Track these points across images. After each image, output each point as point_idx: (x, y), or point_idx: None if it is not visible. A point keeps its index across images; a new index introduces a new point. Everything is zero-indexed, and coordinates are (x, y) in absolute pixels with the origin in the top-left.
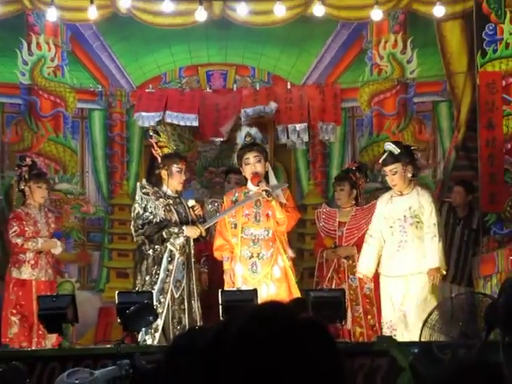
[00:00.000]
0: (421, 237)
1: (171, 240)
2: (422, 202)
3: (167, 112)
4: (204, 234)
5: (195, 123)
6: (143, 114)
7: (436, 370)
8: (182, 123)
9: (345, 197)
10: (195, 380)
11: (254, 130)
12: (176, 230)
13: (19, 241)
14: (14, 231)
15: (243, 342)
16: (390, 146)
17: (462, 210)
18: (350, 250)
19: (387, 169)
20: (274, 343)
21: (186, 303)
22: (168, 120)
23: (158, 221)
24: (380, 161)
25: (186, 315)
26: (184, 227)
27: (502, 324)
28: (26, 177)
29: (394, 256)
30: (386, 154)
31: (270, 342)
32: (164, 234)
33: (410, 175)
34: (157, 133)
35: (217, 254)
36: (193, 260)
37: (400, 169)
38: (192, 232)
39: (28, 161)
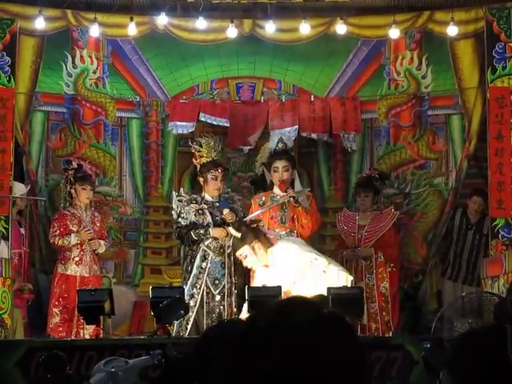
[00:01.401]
0: None
1: (204, 241)
2: None
3: (201, 114)
4: (230, 235)
5: (227, 124)
6: (177, 123)
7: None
8: (214, 123)
9: (369, 202)
10: (225, 369)
11: (286, 136)
12: (202, 232)
13: (56, 240)
14: (54, 231)
15: (271, 334)
16: None
17: (474, 216)
18: (368, 251)
19: None
20: (300, 334)
21: (225, 299)
22: (202, 119)
23: (187, 224)
24: None
25: (227, 310)
26: (210, 229)
27: (510, 320)
28: (72, 180)
29: None
30: None
31: (296, 333)
32: (193, 234)
33: None
34: (199, 144)
35: None
36: (230, 260)
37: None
38: (218, 233)
39: (74, 164)
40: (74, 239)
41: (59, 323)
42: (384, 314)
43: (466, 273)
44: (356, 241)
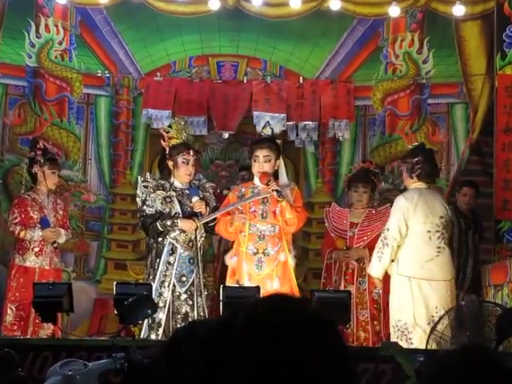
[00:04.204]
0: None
1: (170, 232)
2: None
3: (176, 117)
4: (200, 228)
5: (204, 131)
6: (151, 111)
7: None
8: (190, 132)
9: (366, 199)
10: (198, 368)
11: (274, 121)
12: (169, 223)
13: (17, 229)
14: (14, 218)
15: (251, 329)
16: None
17: (467, 212)
18: (361, 252)
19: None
20: (282, 332)
21: (194, 298)
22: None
23: (153, 213)
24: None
25: (195, 311)
26: (178, 220)
27: None
28: (41, 161)
29: None
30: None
31: (278, 330)
32: (158, 225)
33: (407, 176)
34: (169, 125)
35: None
36: (200, 254)
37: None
38: (187, 226)
39: (41, 144)
40: (37, 235)
41: (14, 321)
42: (375, 322)
43: (472, 281)
44: (348, 239)
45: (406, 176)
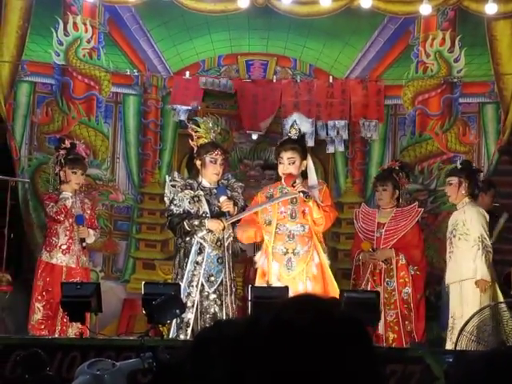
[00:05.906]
0: (467, 249)
1: (198, 232)
2: (468, 216)
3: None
4: (227, 228)
5: (231, 90)
6: (179, 107)
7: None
8: (217, 89)
9: (387, 197)
10: (226, 368)
11: (299, 120)
12: (196, 223)
13: (54, 209)
14: (50, 206)
15: (278, 330)
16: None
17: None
18: (388, 253)
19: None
20: (309, 334)
21: (223, 298)
22: (202, 87)
23: (180, 212)
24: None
25: (224, 311)
26: (206, 220)
27: None
28: (62, 161)
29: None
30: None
31: (305, 332)
32: (186, 225)
33: (463, 191)
34: (197, 124)
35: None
36: (228, 254)
37: (455, 182)
38: (214, 226)
39: (67, 143)
40: (69, 201)
41: (41, 320)
42: (406, 322)
43: (499, 278)
44: (375, 240)
45: (464, 191)
